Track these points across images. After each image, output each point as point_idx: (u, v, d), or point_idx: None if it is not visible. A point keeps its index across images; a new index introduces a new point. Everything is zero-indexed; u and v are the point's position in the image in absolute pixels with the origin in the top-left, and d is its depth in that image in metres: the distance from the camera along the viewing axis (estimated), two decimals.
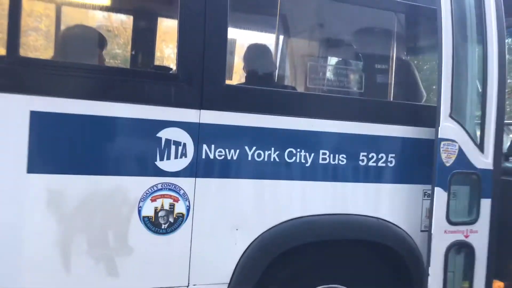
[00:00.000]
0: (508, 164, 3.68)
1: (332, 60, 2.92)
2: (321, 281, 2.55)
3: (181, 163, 2.17)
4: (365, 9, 2.75)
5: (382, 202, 2.59)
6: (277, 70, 2.96)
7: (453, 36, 2.52)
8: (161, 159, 2.13)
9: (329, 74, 2.82)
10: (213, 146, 2.21)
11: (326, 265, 2.55)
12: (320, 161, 2.43)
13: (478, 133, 2.64)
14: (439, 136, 2.51)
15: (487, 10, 2.64)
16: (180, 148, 2.15)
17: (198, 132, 2.18)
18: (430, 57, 3.16)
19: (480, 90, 2.67)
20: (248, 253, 2.28)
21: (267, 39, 3.27)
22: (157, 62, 3.91)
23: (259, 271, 2.31)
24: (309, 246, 2.43)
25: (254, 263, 2.29)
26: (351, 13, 2.85)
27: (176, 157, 2.15)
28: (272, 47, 3.04)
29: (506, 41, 3.67)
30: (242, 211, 2.30)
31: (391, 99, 2.98)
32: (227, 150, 2.24)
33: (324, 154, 2.44)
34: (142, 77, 2.29)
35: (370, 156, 2.53)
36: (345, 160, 2.48)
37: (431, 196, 2.53)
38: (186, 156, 2.16)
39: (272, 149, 2.32)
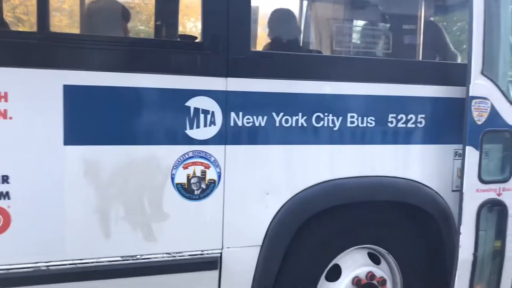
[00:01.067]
0: None
1: (358, 22, 2.86)
2: (353, 242, 2.59)
3: (211, 131, 2.20)
4: None
5: (412, 163, 2.58)
6: (302, 35, 2.91)
7: None
8: (191, 127, 2.17)
9: (355, 36, 2.78)
10: (241, 113, 2.24)
11: (357, 227, 2.58)
12: (348, 125, 2.42)
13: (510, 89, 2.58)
14: (470, 94, 2.46)
15: None
16: (208, 116, 2.19)
17: (225, 100, 2.21)
18: (460, 15, 3.03)
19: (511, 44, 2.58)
20: (279, 216, 2.34)
21: (291, 3, 3.20)
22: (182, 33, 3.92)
23: (290, 234, 2.37)
24: (340, 209, 2.45)
25: (284, 226, 2.35)
26: None
27: (205, 126, 2.19)
28: (296, 11, 2.99)
29: None
30: (272, 176, 2.34)
31: (419, 59, 2.90)
32: (255, 117, 2.26)
33: (352, 117, 2.43)
34: (168, 47, 2.32)
35: (399, 117, 2.51)
36: (373, 123, 2.46)
37: (462, 155, 2.50)
38: (215, 124, 2.20)
39: (300, 114, 2.33)
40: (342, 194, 2.45)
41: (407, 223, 2.66)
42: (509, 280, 2.65)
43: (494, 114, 2.50)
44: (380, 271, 2.61)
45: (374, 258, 2.67)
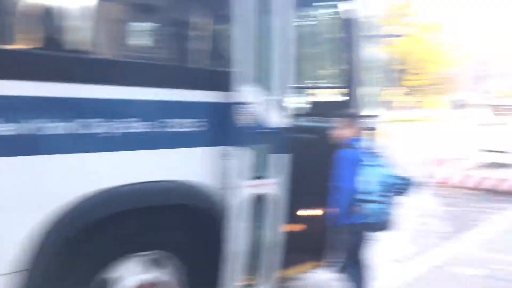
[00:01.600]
0: (302, 123, 4.17)
1: (129, 23, 2.80)
2: (132, 250, 2.54)
3: None
4: None
5: (184, 165, 2.66)
6: (58, 31, 2.61)
7: (246, 3, 2.69)
8: None
9: (128, 38, 2.71)
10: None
11: (135, 234, 2.53)
12: (118, 130, 2.34)
13: (273, 95, 2.90)
14: (238, 100, 2.70)
15: None
16: None
17: None
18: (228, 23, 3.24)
19: (275, 54, 2.91)
20: (42, 235, 2.10)
21: None
22: None
23: (56, 253, 2.17)
24: (116, 218, 2.36)
25: (49, 245, 2.13)
26: None
27: None
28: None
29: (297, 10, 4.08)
30: (26, 191, 2.07)
31: (189, 64, 3.02)
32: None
33: (121, 122, 2.35)
34: None
35: (170, 121, 2.55)
36: (141, 128, 2.43)
37: (232, 155, 2.72)
38: None
39: (52, 120, 2.12)
40: (111, 204, 2.35)
41: (187, 224, 2.75)
42: (275, 264, 3.00)
43: (259, 117, 2.80)
44: (154, 277, 2.62)
45: (158, 263, 2.67)
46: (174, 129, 2.57)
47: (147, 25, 2.95)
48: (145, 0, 2.84)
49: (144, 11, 2.86)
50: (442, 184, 9.93)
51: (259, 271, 2.98)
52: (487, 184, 9.25)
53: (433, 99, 53.68)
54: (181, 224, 2.72)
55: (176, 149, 2.61)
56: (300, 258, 3.59)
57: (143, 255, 2.60)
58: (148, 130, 2.46)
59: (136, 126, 2.41)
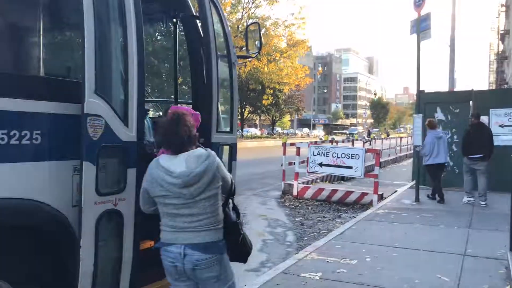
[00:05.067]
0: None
1: None
2: None
3: None
4: None
5: (29, 181, 2.43)
6: None
7: (94, 15, 2.59)
8: None
9: None
10: None
11: None
12: None
13: (122, 108, 2.84)
14: (85, 112, 2.57)
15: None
16: None
17: None
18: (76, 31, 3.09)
19: (122, 69, 2.87)
20: None
21: None
22: None
23: None
24: None
25: None
26: None
27: None
28: None
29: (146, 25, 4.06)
30: None
31: (36, 73, 2.81)
32: None
33: None
34: None
35: (11, 133, 2.33)
36: None
37: (80, 170, 2.58)
38: None
39: None
40: None
41: (28, 245, 2.50)
42: (127, 281, 2.91)
43: (108, 131, 2.70)
44: None
45: None
46: (14, 142, 2.34)
47: None
48: None
49: None
50: (285, 195, 10.80)
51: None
52: (323, 195, 10.36)
53: (281, 117, 58.11)
54: (22, 245, 2.46)
55: (20, 163, 2.38)
56: (156, 275, 3.53)
57: None
58: None
59: None
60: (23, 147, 2.39)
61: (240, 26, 31.98)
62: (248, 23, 4.53)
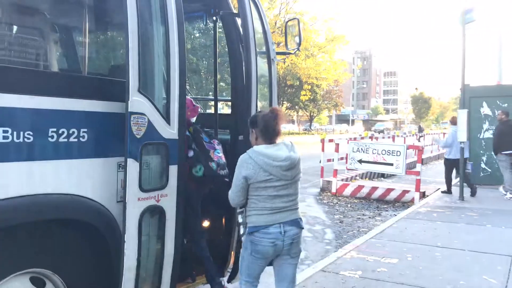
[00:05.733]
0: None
1: (12, 28, 2.61)
2: (9, 271, 2.33)
3: None
4: None
5: (75, 178, 2.53)
6: None
7: (138, 15, 2.66)
8: None
9: (14, 44, 2.53)
10: None
11: (13, 253, 2.32)
12: (5, 140, 2.18)
13: (164, 106, 2.90)
14: (129, 110, 2.64)
15: None
16: None
17: None
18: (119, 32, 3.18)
19: (164, 68, 2.92)
20: None
21: None
22: None
23: None
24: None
25: None
26: None
27: None
28: None
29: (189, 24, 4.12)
30: None
31: (81, 73, 2.91)
32: None
33: (5, 132, 2.19)
34: None
35: (60, 131, 2.43)
36: (31, 138, 2.30)
37: (124, 167, 2.66)
38: None
39: None
40: None
41: (75, 239, 2.61)
42: (169, 276, 2.98)
43: (151, 128, 2.76)
44: None
45: (39, 282, 2.49)
46: (62, 140, 2.44)
47: (29, 28, 2.75)
48: (30, 4, 2.66)
49: (25, 13, 2.69)
50: (323, 192, 10.71)
51: (157, 285, 2.92)
52: (362, 192, 10.20)
53: (320, 113, 57.55)
54: (70, 239, 2.57)
55: (68, 160, 2.47)
56: (198, 270, 3.62)
57: (27, 273, 2.40)
58: (35, 140, 2.31)
59: (21, 136, 2.25)
60: (71, 144, 2.48)
61: (278, 21, 31.89)
62: (287, 19, 4.48)
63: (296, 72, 36.01)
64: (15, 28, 2.73)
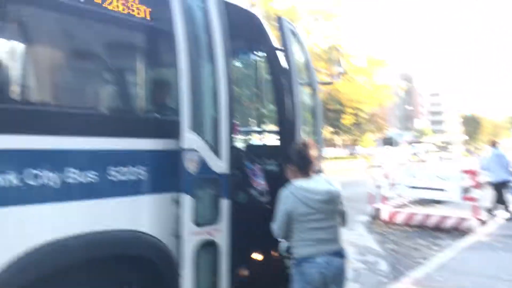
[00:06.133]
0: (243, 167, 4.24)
1: (78, 75, 2.78)
2: None
3: None
4: (109, 25, 2.74)
5: (134, 214, 2.63)
6: (14, 85, 2.59)
7: (189, 59, 2.78)
8: None
9: (74, 89, 2.69)
10: None
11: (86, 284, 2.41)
12: (67, 180, 2.30)
13: (215, 141, 2.96)
14: (182, 147, 2.73)
15: (214, 33, 2.99)
16: None
17: None
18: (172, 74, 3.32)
19: (213, 103, 3.00)
20: None
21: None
22: None
23: None
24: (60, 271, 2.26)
25: None
26: (93, 29, 2.77)
27: None
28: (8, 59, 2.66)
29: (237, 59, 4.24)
30: None
31: (137, 113, 3.03)
32: None
33: (71, 172, 2.32)
34: None
35: (119, 170, 2.54)
36: (93, 177, 2.42)
37: (179, 202, 2.72)
38: None
39: (11, 172, 2.08)
40: (52, 259, 2.25)
41: (130, 273, 2.67)
42: None
43: (203, 164, 2.84)
44: None
45: None
46: (120, 178, 2.54)
47: (90, 73, 2.93)
48: (90, 48, 2.84)
49: (87, 59, 2.86)
50: (374, 220, 10.38)
51: None
52: (415, 220, 9.79)
53: (364, 136, 56.68)
54: (128, 275, 2.64)
55: (126, 197, 2.58)
56: None
57: None
58: (94, 179, 2.42)
59: (83, 176, 2.38)
60: (129, 182, 2.59)
61: (315, 48, 32.09)
62: (327, 47, 4.51)
63: (337, 97, 35.84)
64: (74, 70, 2.91)
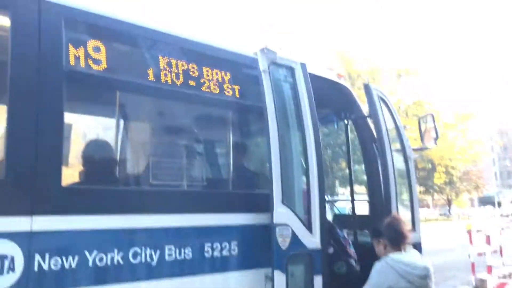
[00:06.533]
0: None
1: (172, 155, 3.00)
2: None
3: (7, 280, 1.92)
4: (202, 106, 2.97)
5: None
6: (117, 167, 2.89)
7: (278, 133, 2.87)
8: None
9: (169, 169, 2.90)
10: (47, 255, 2.03)
11: None
12: (167, 258, 2.42)
13: (306, 214, 2.95)
14: (274, 222, 2.75)
15: (303, 104, 3.08)
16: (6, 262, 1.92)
17: (29, 241, 1.99)
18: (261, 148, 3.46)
19: (303, 176, 3.03)
20: None
21: (105, 132, 3.19)
22: None
23: None
24: None
25: None
26: (187, 110, 3.02)
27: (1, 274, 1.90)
28: (112, 140, 2.99)
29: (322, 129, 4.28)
30: None
31: (229, 189, 3.15)
32: (64, 258, 2.07)
33: (169, 250, 2.43)
34: None
35: (214, 246, 2.61)
36: (190, 254, 2.51)
37: (271, 278, 2.70)
38: (14, 271, 1.93)
39: (115, 250, 2.24)
40: None
41: None
42: None
43: (294, 239, 2.81)
44: None
45: None
46: (213, 254, 2.62)
47: (186, 150, 3.13)
48: (187, 128, 3.07)
49: (183, 137, 3.09)
50: None
51: None
52: None
53: (458, 196, 52.71)
54: None
55: (220, 273, 2.64)
56: None
57: None
58: (189, 256, 2.52)
59: (179, 252, 2.48)
60: (223, 258, 2.64)
61: (401, 105, 31.37)
62: (421, 116, 4.39)
63: (427, 155, 34.15)
64: (170, 148, 3.14)
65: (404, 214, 3.87)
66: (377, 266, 2.87)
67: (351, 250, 3.64)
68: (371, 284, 2.84)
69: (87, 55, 2.38)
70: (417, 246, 3.70)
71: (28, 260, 1.97)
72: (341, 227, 3.95)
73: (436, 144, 4.11)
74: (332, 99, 4.00)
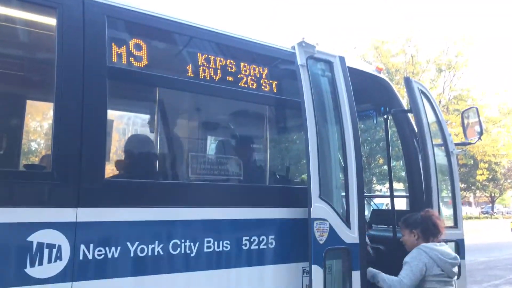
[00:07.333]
0: (372, 232, 4.11)
1: (211, 149, 3.05)
2: None
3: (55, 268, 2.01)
4: (240, 102, 2.98)
5: (264, 283, 2.67)
6: (158, 161, 2.96)
7: (316, 128, 2.85)
8: (32, 265, 1.95)
9: (209, 163, 2.93)
10: (91, 245, 2.11)
11: None
12: (205, 250, 2.45)
13: (344, 209, 2.93)
14: (312, 216, 2.73)
15: (341, 98, 3.05)
16: (54, 250, 2.01)
17: (75, 232, 2.07)
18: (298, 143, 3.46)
19: (341, 171, 3.00)
20: None
21: (146, 127, 3.27)
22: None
23: None
24: None
25: None
26: (226, 105, 3.05)
27: (49, 262, 1.99)
28: (152, 136, 3.06)
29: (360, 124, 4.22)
30: None
31: (267, 183, 3.16)
32: (107, 248, 2.14)
33: (208, 242, 2.47)
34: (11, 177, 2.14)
35: (252, 239, 2.63)
36: (228, 246, 2.54)
37: (309, 272, 2.70)
38: (61, 260, 2.02)
39: (156, 242, 2.29)
40: None
41: None
42: None
43: (332, 233, 2.79)
44: None
45: None
46: (251, 247, 2.64)
47: (226, 146, 3.17)
48: (225, 123, 3.10)
49: (223, 132, 3.13)
50: None
51: None
52: None
53: (502, 193, 50.67)
54: None
55: (258, 266, 2.66)
56: None
57: None
58: (231, 248, 2.56)
59: (218, 245, 2.52)
60: (260, 251, 2.66)
61: (442, 100, 30.36)
62: (464, 109, 4.24)
63: (469, 150, 32.93)
64: (206, 146, 3.19)
65: (445, 211, 3.77)
66: (413, 253, 3.06)
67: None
68: (411, 269, 2.98)
69: (129, 53, 2.44)
70: (460, 243, 3.60)
71: (74, 250, 2.05)
72: (380, 222, 3.89)
73: (480, 139, 3.96)
74: (371, 93, 3.93)
